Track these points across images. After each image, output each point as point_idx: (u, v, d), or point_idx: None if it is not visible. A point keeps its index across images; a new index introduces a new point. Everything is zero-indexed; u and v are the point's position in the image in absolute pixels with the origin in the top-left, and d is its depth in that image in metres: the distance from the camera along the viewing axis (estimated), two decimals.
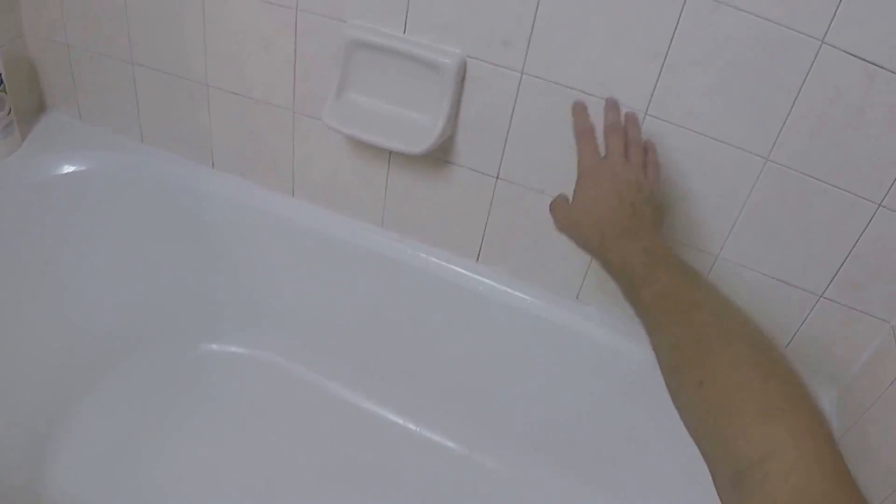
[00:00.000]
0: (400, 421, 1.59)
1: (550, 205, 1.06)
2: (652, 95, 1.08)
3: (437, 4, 1.12)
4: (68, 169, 1.50)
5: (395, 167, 1.32)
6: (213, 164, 1.48)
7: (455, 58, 1.13)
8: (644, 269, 0.89)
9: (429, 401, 1.56)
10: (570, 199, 1.02)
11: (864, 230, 1.08)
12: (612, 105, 1.04)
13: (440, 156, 1.26)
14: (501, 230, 1.31)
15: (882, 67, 0.95)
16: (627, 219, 0.96)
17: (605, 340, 1.31)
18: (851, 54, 0.95)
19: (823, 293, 1.17)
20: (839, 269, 1.13)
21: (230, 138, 1.43)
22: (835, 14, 0.94)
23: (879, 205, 1.05)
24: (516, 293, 1.35)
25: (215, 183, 1.48)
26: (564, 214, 1.02)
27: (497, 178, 1.25)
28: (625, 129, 1.03)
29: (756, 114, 1.05)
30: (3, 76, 1.42)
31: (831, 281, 1.15)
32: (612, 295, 1.25)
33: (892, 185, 1.03)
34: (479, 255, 1.36)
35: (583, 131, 1.03)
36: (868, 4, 0.92)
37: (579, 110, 1.04)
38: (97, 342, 1.57)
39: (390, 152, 1.29)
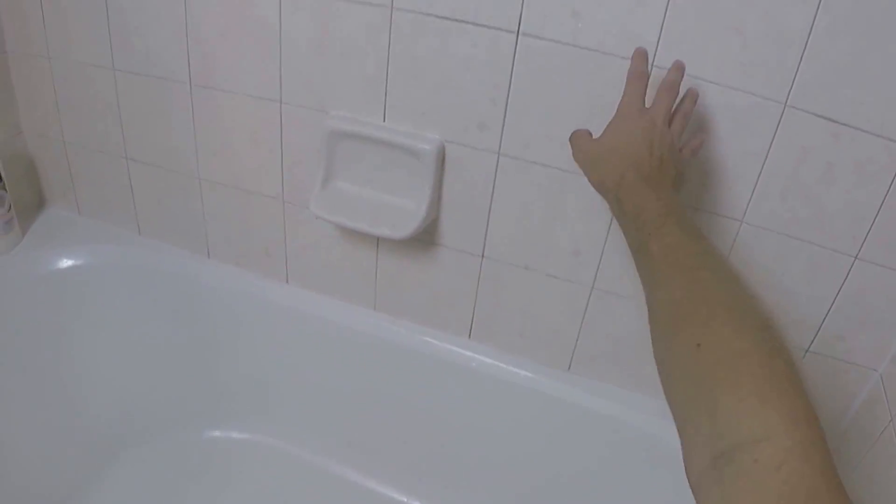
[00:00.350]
0: (403, 499, 1.61)
1: (571, 135, 1.03)
2: None
3: (414, 93, 1.18)
4: (69, 263, 1.56)
5: (384, 251, 1.36)
6: (208, 254, 1.53)
7: (434, 143, 1.19)
8: (657, 219, 0.86)
9: (429, 476, 1.58)
10: (596, 135, 1.01)
11: (843, 283, 1.11)
12: (677, 66, 0.99)
13: (426, 238, 1.31)
14: (490, 306, 1.34)
15: (846, 125, 1.00)
16: (652, 169, 0.94)
17: (598, 410, 1.33)
18: (815, 114, 1.00)
19: (809, 348, 1.19)
20: (822, 322, 1.16)
21: (224, 228, 1.49)
22: (795, 78, 0.99)
23: (856, 258, 1.09)
24: (509, 367, 1.38)
25: (211, 272, 1.53)
26: (586, 146, 1.00)
27: (482, 256, 1.29)
28: (680, 98, 1.01)
29: (728, 178, 1.09)
30: (2, 174, 1.48)
31: (816, 335, 1.18)
32: (602, 365, 1.29)
33: (867, 237, 1.06)
34: (470, 331, 1.40)
35: (637, 75, 0.99)
36: (826, 66, 0.97)
37: (639, 55, 1.00)
38: (102, 431, 1.61)
39: (377, 238, 1.33)
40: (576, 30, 1.05)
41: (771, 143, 1.04)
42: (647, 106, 0.98)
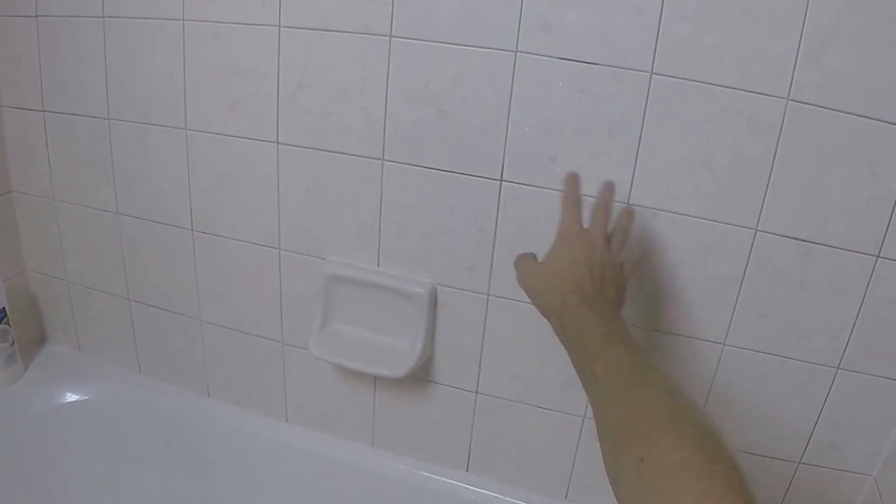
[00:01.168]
0: None
1: (516, 259, 1.08)
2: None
3: (406, 239, 1.29)
4: (71, 398, 1.64)
5: (381, 389, 1.44)
6: (208, 394, 1.61)
7: (426, 286, 1.28)
8: (600, 340, 0.90)
9: None
10: (539, 258, 1.06)
11: (827, 394, 1.18)
12: (608, 186, 1.07)
13: (421, 376, 1.39)
14: (487, 440, 1.41)
15: (815, 243, 1.09)
16: (594, 290, 0.98)
17: None
18: (785, 236, 1.10)
19: (801, 459, 1.25)
20: (812, 434, 1.22)
21: (224, 369, 1.57)
22: (763, 204, 1.08)
23: (838, 368, 1.16)
24: (507, 498, 1.42)
25: (211, 412, 1.61)
26: (530, 271, 1.05)
27: (476, 392, 1.37)
28: (614, 215, 1.07)
29: (708, 303, 1.18)
30: (6, 310, 1.57)
31: (807, 447, 1.23)
32: (598, 491, 1.35)
33: (846, 348, 1.14)
34: (468, 464, 1.45)
35: (571, 199, 1.07)
36: (790, 190, 1.07)
37: (572, 179, 1.08)
38: None
39: (374, 377, 1.41)
40: (554, 174, 1.15)
41: (746, 266, 1.13)
42: (584, 228, 1.05)
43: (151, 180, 1.45)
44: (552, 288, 1.00)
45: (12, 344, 1.62)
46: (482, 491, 1.44)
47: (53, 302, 1.72)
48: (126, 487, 1.67)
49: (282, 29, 1.23)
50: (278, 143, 1.30)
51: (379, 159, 1.24)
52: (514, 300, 1.26)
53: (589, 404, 0.91)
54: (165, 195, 1.45)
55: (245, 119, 1.31)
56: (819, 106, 1.02)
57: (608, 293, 0.99)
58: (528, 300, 1.10)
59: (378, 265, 1.32)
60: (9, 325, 1.59)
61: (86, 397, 1.64)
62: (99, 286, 1.62)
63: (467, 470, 1.46)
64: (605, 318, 0.93)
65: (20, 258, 1.69)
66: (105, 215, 1.53)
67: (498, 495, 1.43)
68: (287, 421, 1.56)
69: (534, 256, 1.08)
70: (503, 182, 1.19)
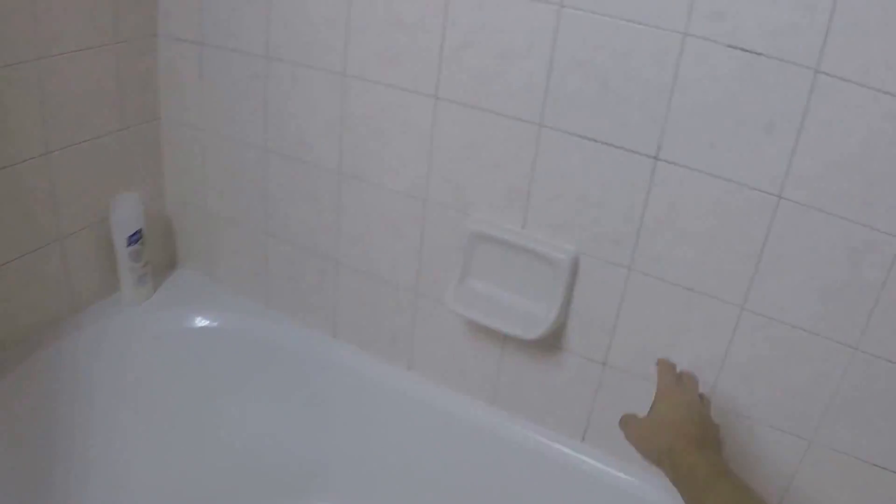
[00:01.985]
0: None
1: (620, 420, 1.29)
2: (748, 291, 1.30)
3: (554, 205, 1.39)
4: (200, 323, 1.82)
5: (509, 350, 1.55)
6: (334, 334, 1.76)
7: (569, 254, 1.39)
8: (710, 478, 1.09)
9: None
10: (640, 415, 1.27)
11: None
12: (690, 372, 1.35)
13: (551, 342, 1.49)
14: (607, 413, 1.49)
15: None
16: (698, 435, 1.18)
17: None
18: None
19: None
20: None
21: (353, 312, 1.71)
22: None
23: None
24: (620, 474, 1.53)
25: (336, 352, 1.76)
26: (637, 426, 1.26)
27: (604, 364, 1.47)
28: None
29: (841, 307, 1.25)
30: (143, 231, 1.74)
31: None
32: None
33: None
34: (584, 435, 1.56)
35: (667, 365, 1.33)
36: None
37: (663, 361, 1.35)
38: (209, 489, 1.82)
39: (504, 336, 1.52)
40: (712, 160, 1.25)
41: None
42: (679, 387, 1.28)
43: (303, 121, 1.58)
44: (661, 436, 1.20)
45: (145, 265, 1.79)
46: (595, 463, 1.54)
47: (189, 229, 1.89)
48: (240, 416, 1.85)
49: None
50: (436, 98, 1.41)
51: (536, 124, 1.34)
52: (654, 278, 1.36)
53: None
54: (316, 137, 1.58)
55: (405, 71, 1.43)
56: None
57: (711, 437, 1.21)
58: (669, 279, 1.31)
59: (523, 227, 1.42)
60: (144, 246, 1.76)
61: (214, 324, 1.82)
62: (237, 219, 1.77)
63: (583, 440, 1.56)
64: (711, 459, 1.13)
65: (161, 184, 1.86)
66: (251, 151, 1.67)
67: (610, 469, 1.53)
68: (409, 369, 1.69)
69: (634, 415, 1.28)
70: (658, 161, 1.28)
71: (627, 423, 1.28)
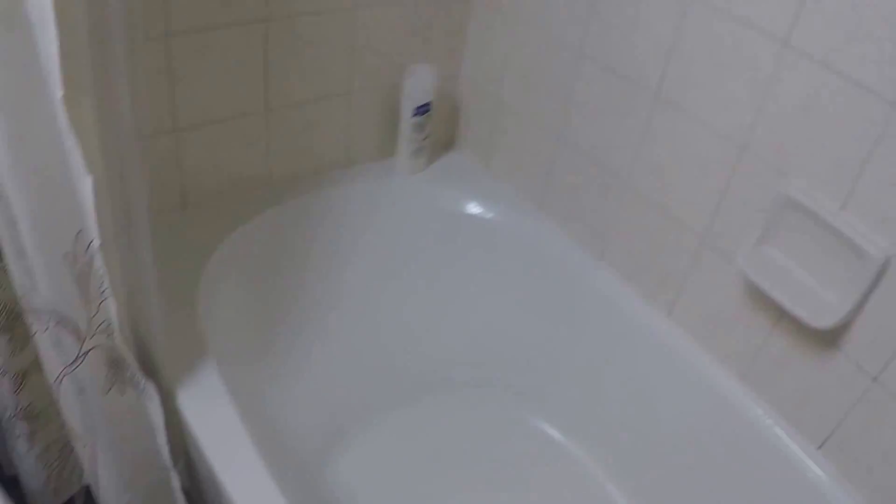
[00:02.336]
0: None
1: None
2: None
3: (885, 196, 1.29)
4: (473, 210, 1.87)
5: (780, 329, 1.49)
6: (601, 256, 1.75)
7: (883, 251, 1.29)
8: None
9: None
10: None
11: None
12: None
13: (828, 337, 1.41)
14: (856, 430, 1.42)
15: None
16: None
17: None
18: None
19: None
20: None
21: (628, 240, 1.69)
22: None
23: None
24: (844, 497, 1.44)
25: (597, 274, 1.76)
26: None
27: (875, 380, 1.38)
28: None
29: None
30: (431, 105, 1.78)
31: None
32: None
33: None
34: (823, 443, 1.49)
35: None
36: None
37: None
38: (415, 370, 1.98)
39: (782, 314, 1.46)
40: None
41: None
42: None
43: (629, 34, 1.54)
44: None
45: (425, 138, 1.84)
46: (822, 475, 1.47)
47: (475, 114, 1.90)
48: (478, 309, 1.92)
49: None
50: (785, 45, 1.33)
51: (891, 104, 1.24)
52: None
53: None
54: (640, 54, 1.53)
55: (757, 4, 1.35)
56: None
57: None
58: None
59: (840, 208, 1.34)
60: (428, 119, 1.80)
61: (487, 215, 1.86)
62: (530, 115, 1.77)
63: (819, 447, 1.49)
64: None
65: (459, 64, 1.89)
66: (565, 52, 1.66)
67: (836, 488, 1.45)
68: (668, 315, 1.66)
69: None
70: None
71: None
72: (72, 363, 1.24)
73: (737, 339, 1.57)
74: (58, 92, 0.96)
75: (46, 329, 1.21)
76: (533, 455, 1.95)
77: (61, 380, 1.28)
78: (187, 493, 1.57)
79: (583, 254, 1.78)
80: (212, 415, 1.41)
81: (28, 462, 1.57)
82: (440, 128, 1.96)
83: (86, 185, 1.06)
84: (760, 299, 1.49)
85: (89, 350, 1.24)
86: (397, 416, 1.98)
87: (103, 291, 1.20)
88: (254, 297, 1.77)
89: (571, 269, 1.79)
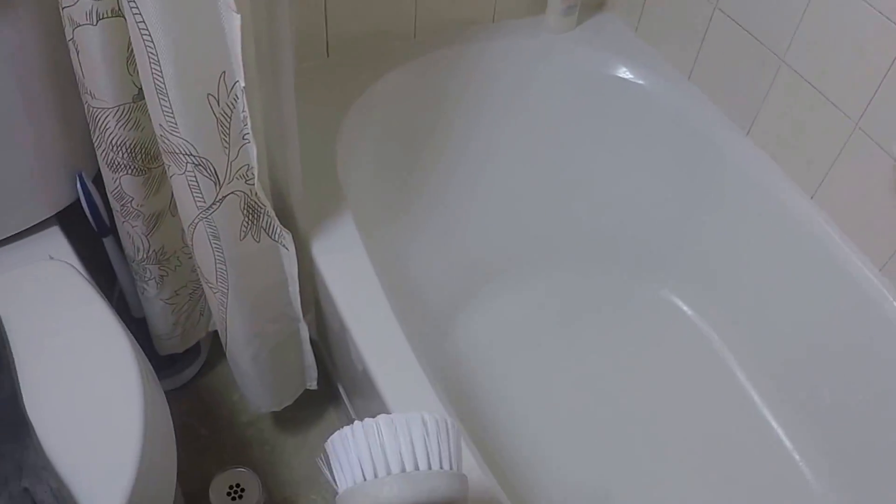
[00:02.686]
0: (790, 447, 1.75)
1: None
2: None
3: None
4: (624, 74, 1.82)
5: None
6: (748, 132, 1.69)
7: None
8: None
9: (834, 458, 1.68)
10: None
11: None
12: None
13: None
14: None
15: None
16: None
17: None
18: None
19: None
20: None
21: (780, 118, 1.62)
22: None
23: None
24: None
25: (744, 152, 1.70)
26: None
27: None
28: None
29: None
30: None
31: None
32: None
33: None
34: None
35: None
36: None
37: None
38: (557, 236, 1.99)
39: None
40: None
41: None
42: None
43: None
44: None
45: None
46: None
47: None
48: (627, 177, 1.91)
49: None
50: None
51: None
52: None
53: None
54: None
55: None
56: None
57: None
58: None
59: None
60: None
61: (639, 81, 1.81)
62: None
63: None
64: None
65: None
66: None
67: None
68: (811, 198, 1.60)
69: None
70: None
71: None
72: (208, 208, 1.24)
73: (881, 229, 1.50)
74: None
75: (184, 171, 1.21)
76: (660, 326, 1.96)
77: (196, 224, 1.29)
78: (314, 344, 1.59)
79: (730, 128, 1.72)
80: (346, 266, 1.44)
81: (156, 306, 1.60)
82: None
83: (233, 24, 1.05)
84: None
85: (227, 195, 1.24)
86: (528, 280, 2.01)
87: (245, 136, 1.19)
88: (392, 150, 1.79)
89: (717, 142, 1.73)
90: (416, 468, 0.88)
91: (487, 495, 1.16)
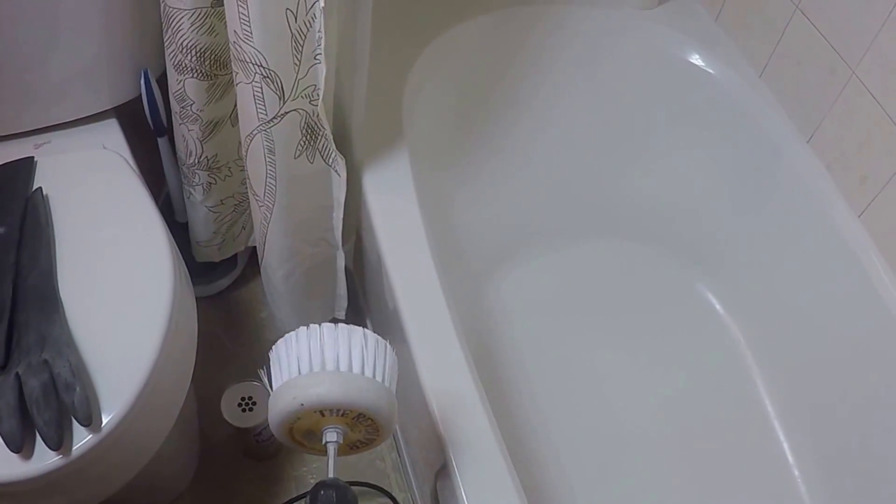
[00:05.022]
0: (791, 462, 1.72)
1: None
2: None
3: None
4: (697, 61, 1.79)
5: None
6: (809, 140, 1.65)
7: None
8: None
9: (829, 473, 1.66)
10: None
11: None
12: None
13: None
14: None
15: None
16: None
17: None
18: None
19: None
20: None
21: (841, 131, 1.58)
22: None
23: None
24: None
25: (801, 158, 1.65)
26: None
27: None
28: None
29: None
30: None
31: None
32: None
33: None
34: None
35: None
36: None
37: None
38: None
39: None
40: None
41: None
42: None
43: None
44: None
45: None
46: None
47: None
48: (681, 165, 1.89)
49: None
50: None
51: None
52: None
53: None
54: None
55: None
56: None
57: None
58: None
59: None
60: None
61: (710, 70, 1.78)
62: None
63: None
64: None
65: None
66: None
67: None
68: (858, 217, 1.56)
69: None
70: None
71: None
72: (269, 121, 1.25)
73: None
74: None
75: (251, 81, 1.21)
76: (689, 318, 1.94)
77: (254, 136, 1.29)
78: (349, 275, 1.58)
79: (792, 132, 1.68)
80: (394, 202, 1.45)
81: (200, 212, 1.60)
82: None
83: None
84: None
85: (289, 111, 1.25)
86: (568, 252, 1.99)
87: (317, 55, 1.19)
88: (457, 99, 1.78)
89: (777, 144, 1.69)
90: (350, 371, 0.94)
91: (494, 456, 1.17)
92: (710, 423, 1.79)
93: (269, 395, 0.96)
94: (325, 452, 0.98)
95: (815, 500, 1.66)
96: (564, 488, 1.65)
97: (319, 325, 0.95)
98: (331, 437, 0.97)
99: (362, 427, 0.98)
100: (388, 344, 0.97)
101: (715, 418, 1.80)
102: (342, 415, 0.95)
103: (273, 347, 0.97)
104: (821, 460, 1.67)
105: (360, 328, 0.96)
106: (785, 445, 1.73)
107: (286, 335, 0.97)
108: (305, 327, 0.95)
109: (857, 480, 1.59)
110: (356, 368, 0.93)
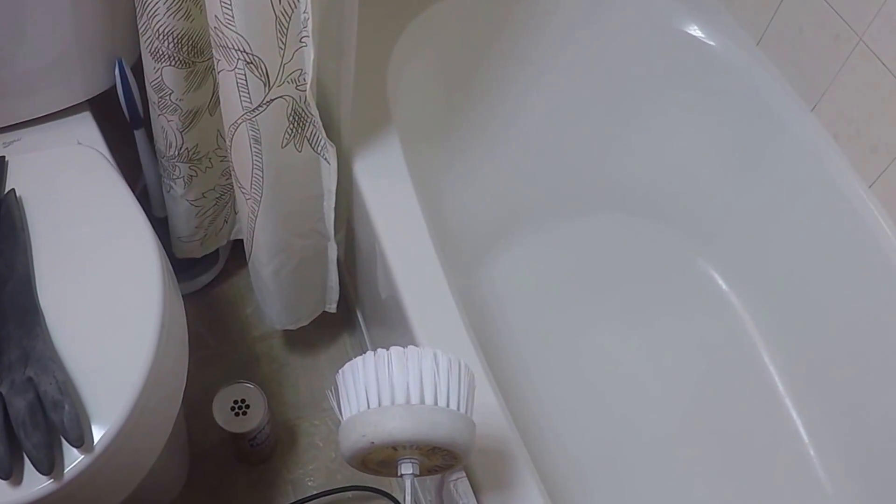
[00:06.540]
0: (806, 441, 1.69)
1: None
2: None
3: None
4: (694, 32, 1.74)
5: None
6: (813, 108, 1.61)
7: None
8: None
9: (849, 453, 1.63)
10: None
11: None
12: None
13: None
14: None
15: None
16: None
17: None
18: None
19: None
20: None
21: (847, 99, 1.54)
22: None
23: None
24: None
25: (805, 128, 1.62)
26: None
27: None
28: None
29: None
30: None
31: None
32: None
33: None
34: None
35: None
36: None
37: None
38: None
39: None
40: None
41: None
42: None
43: None
44: None
45: None
46: None
47: None
48: (681, 139, 1.85)
49: None
50: None
51: None
52: None
53: None
54: None
55: None
56: None
57: None
58: None
59: None
60: None
61: (709, 42, 1.73)
62: None
63: None
64: None
65: None
66: None
67: None
68: (869, 187, 1.52)
69: None
70: None
71: None
72: (254, 109, 1.19)
73: None
74: None
75: (234, 68, 1.15)
76: (691, 295, 1.91)
77: (238, 125, 1.23)
78: (339, 266, 1.53)
79: (795, 101, 1.63)
80: (388, 187, 1.40)
81: (182, 206, 1.55)
82: None
83: None
84: None
85: (275, 98, 1.19)
86: (563, 230, 1.96)
87: (303, 38, 1.14)
88: (445, 78, 1.73)
89: (780, 114, 1.65)
90: (422, 402, 0.88)
91: (503, 439, 1.14)
92: (716, 399, 1.76)
93: (340, 423, 0.91)
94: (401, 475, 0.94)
95: (830, 475, 1.64)
96: (571, 470, 1.62)
97: (388, 349, 0.90)
98: (406, 469, 0.92)
99: (439, 455, 0.92)
100: (462, 363, 0.91)
101: (721, 395, 1.77)
102: (416, 448, 0.90)
103: (340, 372, 0.92)
104: (835, 433, 1.65)
105: (431, 350, 0.90)
106: (798, 422, 1.70)
107: (352, 361, 0.91)
108: (373, 352, 0.90)
109: (871, 453, 1.57)
110: (428, 398, 0.88)
